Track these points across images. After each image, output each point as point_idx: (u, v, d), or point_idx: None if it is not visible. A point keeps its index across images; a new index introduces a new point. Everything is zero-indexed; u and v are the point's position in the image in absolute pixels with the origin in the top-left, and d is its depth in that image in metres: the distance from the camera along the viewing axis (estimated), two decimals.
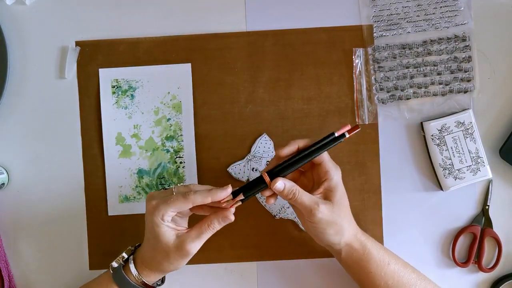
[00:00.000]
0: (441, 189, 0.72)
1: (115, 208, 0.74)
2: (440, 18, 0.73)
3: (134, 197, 0.74)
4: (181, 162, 0.73)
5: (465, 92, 0.73)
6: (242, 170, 0.73)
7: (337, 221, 0.62)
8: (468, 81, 0.73)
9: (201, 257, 0.72)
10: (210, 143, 0.74)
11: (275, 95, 0.74)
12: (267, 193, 0.63)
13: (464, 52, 0.73)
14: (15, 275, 0.74)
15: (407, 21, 0.73)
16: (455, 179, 0.71)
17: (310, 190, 0.65)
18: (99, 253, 0.74)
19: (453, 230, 0.73)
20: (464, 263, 0.73)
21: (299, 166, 0.62)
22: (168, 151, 0.74)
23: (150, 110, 0.74)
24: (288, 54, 0.74)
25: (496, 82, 0.73)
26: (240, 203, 0.61)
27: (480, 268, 0.72)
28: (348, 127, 0.62)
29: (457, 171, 0.71)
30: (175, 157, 0.74)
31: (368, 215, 0.73)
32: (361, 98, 0.73)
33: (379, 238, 0.73)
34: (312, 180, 0.66)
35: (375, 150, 0.73)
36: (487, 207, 0.73)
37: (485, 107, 0.73)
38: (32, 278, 0.74)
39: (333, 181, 0.63)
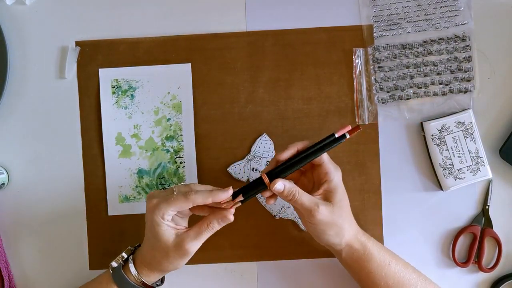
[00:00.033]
0: (441, 189, 0.72)
1: (115, 208, 0.74)
2: (440, 18, 0.73)
3: (134, 197, 0.74)
4: (181, 162, 0.73)
5: (465, 92, 0.73)
6: (242, 170, 0.73)
7: (337, 222, 0.62)
8: (468, 81, 0.73)
9: (201, 257, 0.72)
10: (210, 143, 0.74)
11: (275, 95, 0.74)
12: (267, 193, 0.63)
13: (464, 52, 0.73)
14: (15, 275, 0.74)
15: (407, 21, 0.73)
16: (455, 179, 0.71)
17: (311, 190, 0.65)
18: (99, 253, 0.74)
19: (453, 230, 0.73)
20: (464, 263, 0.73)
21: (298, 167, 0.62)
22: (168, 151, 0.74)
23: (150, 110, 0.74)
24: (288, 54, 0.74)
25: (496, 82, 0.73)
26: (239, 204, 0.61)
27: (480, 268, 0.72)
28: (349, 128, 0.62)
29: (457, 171, 0.71)
30: (175, 157, 0.74)
31: (368, 215, 0.73)
32: (361, 98, 0.73)
33: (379, 238, 0.73)
34: (313, 180, 0.66)
35: (375, 150, 0.73)
36: (487, 207, 0.73)
37: (485, 107, 0.73)
38: (32, 278, 0.74)
39: (333, 182, 0.63)
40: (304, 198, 0.61)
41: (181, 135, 0.74)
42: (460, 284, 0.73)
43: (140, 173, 0.74)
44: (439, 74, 0.73)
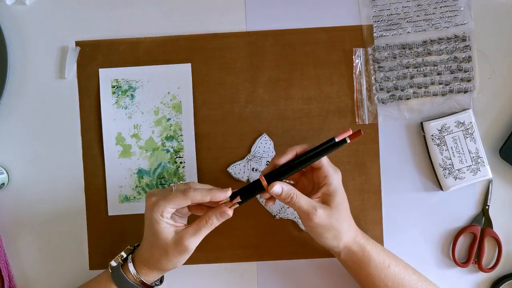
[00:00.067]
0: (441, 189, 0.72)
1: (115, 208, 0.74)
2: (440, 18, 0.73)
3: (134, 197, 0.74)
4: (181, 162, 0.73)
5: (465, 92, 0.73)
6: (242, 170, 0.73)
7: (335, 226, 0.62)
8: (468, 81, 0.73)
9: (201, 257, 0.72)
10: (210, 143, 0.74)
11: (275, 95, 0.74)
12: (266, 195, 0.63)
13: (464, 52, 0.73)
14: (15, 275, 0.74)
15: (407, 21, 0.73)
16: (455, 179, 0.71)
17: (311, 191, 0.65)
18: (99, 253, 0.74)
19: (453, 230, 0.73)
20: (464, 263, 0.73)
21: (297, 170, 0.62)
22: (168, 151, 0.74)
23: (150, 110, 0.74)
24: (288, 54, 0.74)
25: (496, 82, 0.73)
26: (237, 205, 0.61)
27: (480, 268, 0.72)
28: (350, 132, 0.61)
29: (457, 171, 0.71)
30: (175, 157, 0.74)
31: (368, 215, 0.73)
32: (361, 98, 0.73)
33: (379, 238, 0.73)
34: (312, 182, 0.66)
35: (375, 150, 0.73)
36: (487, 207, 0.73)
37: (485, 107, 0.73)
38: (32, 278, 0.74)
39: (332, 185, 0.63)
40: (302, 201, 0.61)
41: (181, 135, 0.74)
42: (460, 284, 0.73)
43: (140, 173, 0.74)
44: (439, 74, 0.73)
